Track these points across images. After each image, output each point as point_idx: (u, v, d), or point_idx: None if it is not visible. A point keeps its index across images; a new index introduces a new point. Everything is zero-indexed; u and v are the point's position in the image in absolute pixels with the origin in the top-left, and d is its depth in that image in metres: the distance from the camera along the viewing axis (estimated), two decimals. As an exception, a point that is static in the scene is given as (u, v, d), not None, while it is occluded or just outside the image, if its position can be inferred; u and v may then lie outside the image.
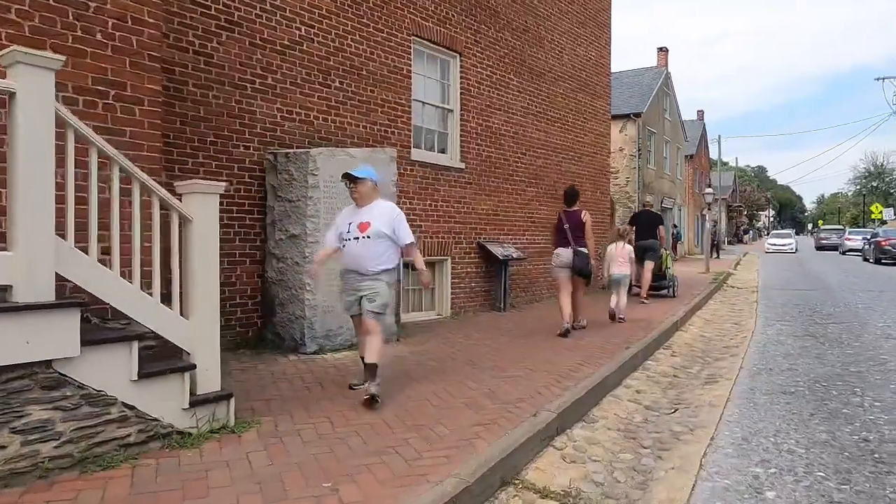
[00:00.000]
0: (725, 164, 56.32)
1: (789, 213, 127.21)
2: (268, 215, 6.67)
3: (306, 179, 6.29)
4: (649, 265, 11.14)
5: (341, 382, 5.13)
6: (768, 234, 58.30)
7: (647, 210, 12.05)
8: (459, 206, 9.39)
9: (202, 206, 3.70)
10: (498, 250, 9.71)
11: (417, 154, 8.75)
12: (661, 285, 11.97)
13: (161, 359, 3.65)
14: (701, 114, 44.97)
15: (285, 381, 5.12)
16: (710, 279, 17.18)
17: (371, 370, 4.55)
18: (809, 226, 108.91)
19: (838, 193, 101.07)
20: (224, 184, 3.82)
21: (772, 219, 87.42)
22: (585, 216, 7.74)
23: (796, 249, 38.80)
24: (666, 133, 29.95)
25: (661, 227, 11.42)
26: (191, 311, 3.67)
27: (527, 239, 10.92)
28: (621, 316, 8.80)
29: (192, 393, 3.62)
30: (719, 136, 35.18)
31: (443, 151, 9.41)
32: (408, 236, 4.81)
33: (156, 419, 3.40)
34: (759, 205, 75.17)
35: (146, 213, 3.52)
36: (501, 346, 6.84)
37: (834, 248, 38.36)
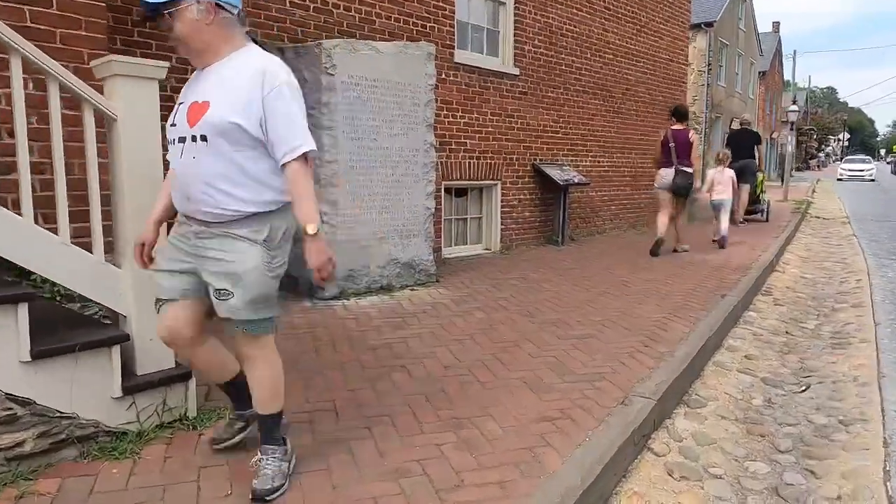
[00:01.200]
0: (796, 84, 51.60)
1: (859, 137, 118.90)
2: (277, 128, 5.39)
3: (320, 80, 4.95)
4: (745, 187, 10.37)
5: (360, 342, 3.96)
6: (841, 159, 54.12)
7: (745, 128, 11.39)
8: (512, 121, 7.91)
9: (132, 97, 2.44)
10: (556, 174, 8.26)
11: (462, 56, 7.23)
12: (756, 209, 11.73)
13: (80, 326, 2.50)
14: (776, 25, 40.75)
15: (292, 339, 3.98)
16: (790, 208, 15.31)
17: (264, 425, 2.23)
18: (882, 151, 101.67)
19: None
20: (167, 64, 2.53)
21: (845, 143, 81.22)
22: (693, 136, 7.46)
23: (874, 178, 35.58)
24: (739, 45, 26.97)
25: (758, 146, 10.29)
26: (123, 254, 2.48)
27: (589, 161, 9.39)
28: (721, 237, 8.37)
29: (130, 374, 2.49)
30: (794, 52, 31.48)
31: (493, 54, 7.85)
32: (294, 138, 2.01)
33: (68, 416, 2.29)
34: (832, 128, 69.69)
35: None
36: (563, 291, 5.55)
37: (915, 174, 34.92)
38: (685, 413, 3.32)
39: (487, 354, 3.75)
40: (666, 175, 7.47)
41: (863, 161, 39.89)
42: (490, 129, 7.59)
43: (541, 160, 8.41)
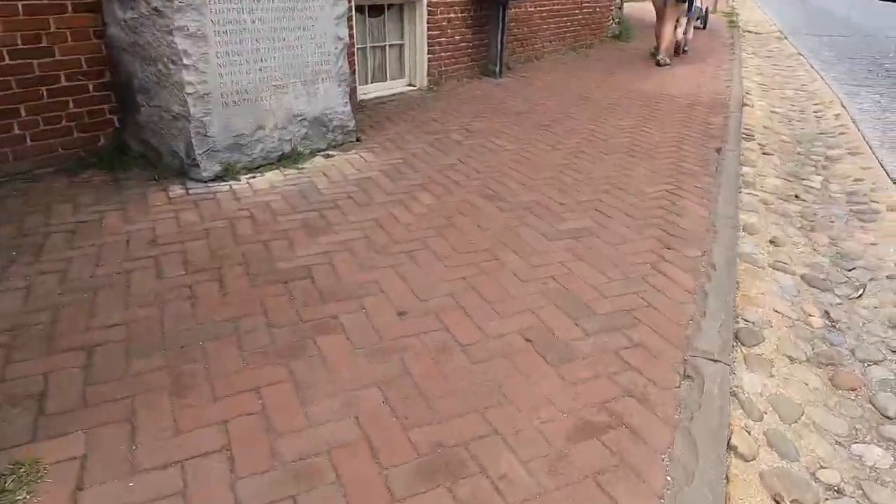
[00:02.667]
0: None
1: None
2: None
3: None
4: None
5: (261, 265, 2.62)
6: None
7: None
8: None
9: None
10: (493, -17, 6.54)
11: None
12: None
13: None
14: None
15: (142, 268, 2.58)
16: (723, 20, 14.21)
17: None
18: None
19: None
20: None
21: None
22: None
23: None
24: None
25: None
26: None
27: (527, -34, 7.62)
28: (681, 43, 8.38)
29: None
30: None
31: None
32: None
33: None
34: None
35: None
36: (525, 151, 4.30)
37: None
38: (745, 357, 2.35)
39: (457, 280, 2.55)
40: None
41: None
42: (411, -81, 5.64)
43: (473, -35, 6.60)
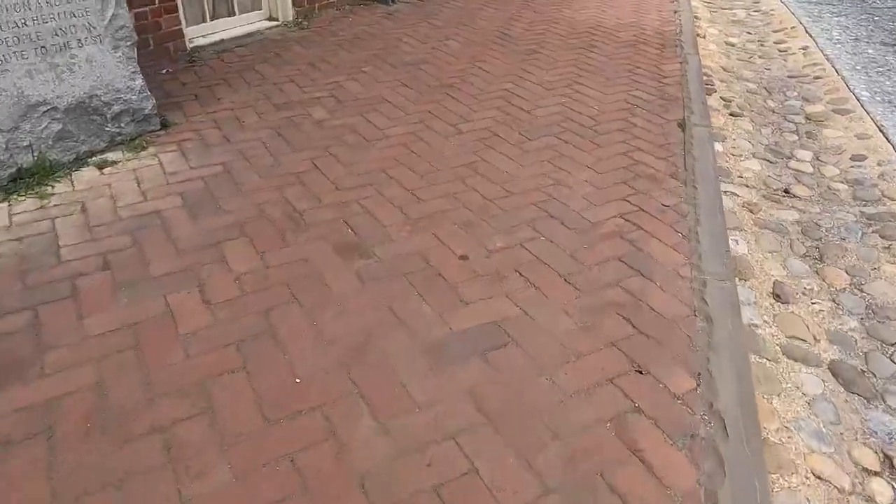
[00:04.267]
0: None
1: None
2: None
3: None
4: None
5: None
6: None
7: None
8: None
9: None
10: None
11: None
12: None
13: None
14: None
15: None
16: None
17: None
18: None
19: None
20: None
21: None
22: None
23: None
24: None
25: None
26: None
27: None
28: None
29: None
30: None
31: None
32: None
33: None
34: None
35: None
36: (412, 127, 2.96)
37: None
38: None
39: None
40: None
41: None
42: None
43: None
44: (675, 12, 5.31)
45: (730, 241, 2.41)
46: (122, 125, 2.74)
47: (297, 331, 1.77)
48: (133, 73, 2.72)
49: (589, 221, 2.33)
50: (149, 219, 2.25)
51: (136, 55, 2.73)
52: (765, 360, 1.96)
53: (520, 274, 2.04)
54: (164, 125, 2.94)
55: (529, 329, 1.81)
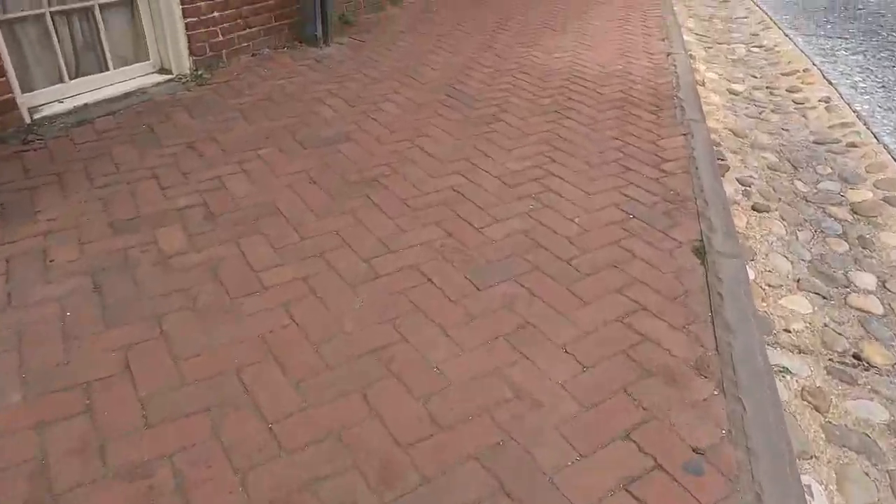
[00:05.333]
0: None
1: None
2: None
3: None
4: None
5: None
6: None
7: None
8: None
9: None
10: None
11: None
12: None
13: None
14: None
15: None
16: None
17: None
18: None
19: None
20: None
21: None
22: None
23: None
24: None
25: None
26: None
27: None
28: None
29: None
30: None
31: None
32: None
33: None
34: None
35: None
36: (307, 270, 1.98)
37: None
38: None
39: None
40: None
41: None
42: None
43: None
44: (668, 54, 4.39)
45: (805, 495, 1.44)
46: None
47: None
48: None
49: (568, 501, 1.35)
50: None
51: None
52: None
53: None
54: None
55: None
